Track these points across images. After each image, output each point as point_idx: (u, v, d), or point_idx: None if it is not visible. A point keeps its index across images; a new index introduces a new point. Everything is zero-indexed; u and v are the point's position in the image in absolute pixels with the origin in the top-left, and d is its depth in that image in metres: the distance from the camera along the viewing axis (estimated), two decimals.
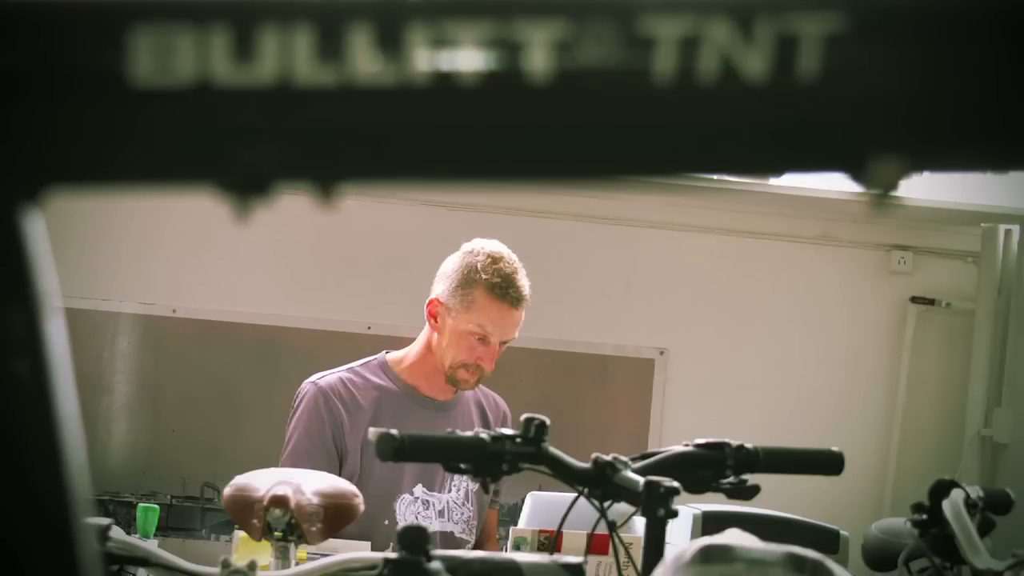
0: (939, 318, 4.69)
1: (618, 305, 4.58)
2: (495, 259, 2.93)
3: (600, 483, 1.88)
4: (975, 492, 2.11)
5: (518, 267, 2.95)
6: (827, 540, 2.43)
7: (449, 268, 2.97)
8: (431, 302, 2.98)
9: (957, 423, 4.63)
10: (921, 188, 4.18)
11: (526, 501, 2.54)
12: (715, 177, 3.62)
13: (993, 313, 4.58)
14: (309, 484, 2.03)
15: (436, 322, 2.98)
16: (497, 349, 2.95)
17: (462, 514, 3.00)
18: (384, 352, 3.08)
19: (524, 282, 2.94)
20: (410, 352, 3.06)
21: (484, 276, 2.91)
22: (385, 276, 4.43)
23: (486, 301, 2.91)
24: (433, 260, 3.05)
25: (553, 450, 1.86)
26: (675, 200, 4.51)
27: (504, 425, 2.91)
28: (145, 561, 1.83)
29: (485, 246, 2.97)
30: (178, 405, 4.38)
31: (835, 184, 4.12)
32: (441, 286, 2.97)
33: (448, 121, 0.78)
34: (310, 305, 4.44)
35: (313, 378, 2.99)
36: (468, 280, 2.92)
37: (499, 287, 2.90)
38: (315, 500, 2.00)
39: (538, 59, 0.76)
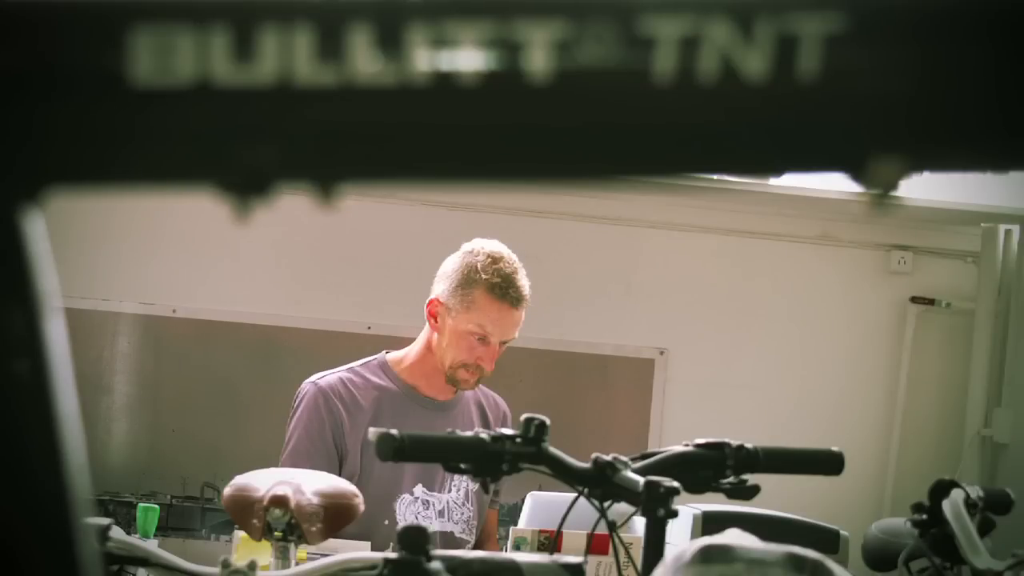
0: (939, 318, 4.69)
1: (618, 305, 4.58)
2: (495, 259, 2.93)
3: (600, 483, 1.88)
4: (975, 492, 2.11)
5: (518, 267, 2.95)
6: (827, 540, 2.43)
7: (449, 268, 2.97)
8: (431, 302, 2.98)
9: (957, 423, 4.63)
10: (921, 188, 4.18)
11: (526, 501, 2.54)
12: (715, 177, 3.62)
13: (993, 313, 4.58)
14: (309, 484, 2.03)
15: (436, 322, 2.98)
16: (497, 349, 2.95)
17: (462, 514, 3.00)
18: (384, 352, 3.08)
19: (524, 282, 2.94)
20: (410, 352, 3.05)
21: (484, 276, 2.91)
22: (385, 276, 4.43)
23: (486, 301, 2.91)
24: (433, 260, 3.05)
25: (553, 450, 1.86)
26: (675, 200, 4.51)
27: (504, 425, 2.91)
28: (145, 561, 1.83)
29: (485, 246, 2.97)
30: (178, 405, 4.38)
31: (835, 184, 4.12)
32: (441, 286, 2.97)
33: (448, 121, 0.78)
34: (310, 305, 4.44)
35: (313, 378, 2.99)
36: (468, 280, 2.92)
37: (499, 287, 2.90)
38: (315, 500, 2.00)
39: (538, 59, 0.76)
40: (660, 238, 4.61)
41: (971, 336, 4.61)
